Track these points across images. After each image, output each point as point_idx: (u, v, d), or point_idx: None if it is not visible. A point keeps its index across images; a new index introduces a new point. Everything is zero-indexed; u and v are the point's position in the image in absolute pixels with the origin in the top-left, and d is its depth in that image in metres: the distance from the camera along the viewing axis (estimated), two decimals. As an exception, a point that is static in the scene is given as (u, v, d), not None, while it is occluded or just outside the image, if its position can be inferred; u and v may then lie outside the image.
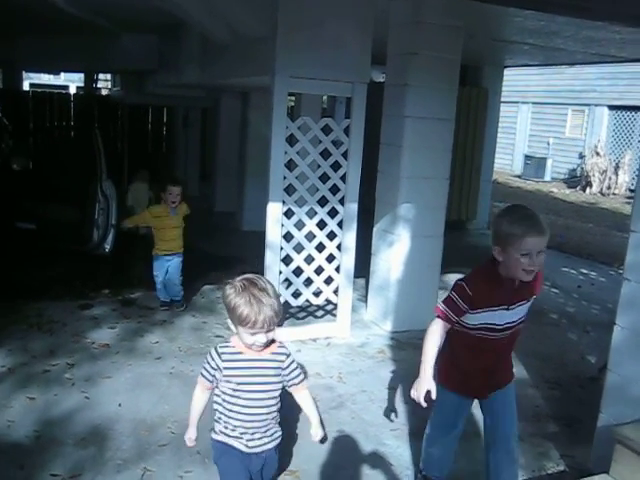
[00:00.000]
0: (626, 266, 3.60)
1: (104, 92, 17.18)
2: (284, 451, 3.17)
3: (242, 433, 2.59)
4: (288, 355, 2.62)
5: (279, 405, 2.65)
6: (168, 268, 5.80)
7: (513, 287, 2.80)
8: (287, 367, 2.61)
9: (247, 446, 2.60)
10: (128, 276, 6.77)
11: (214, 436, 2.66)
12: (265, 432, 2.62)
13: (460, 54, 5.53)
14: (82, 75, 17.14)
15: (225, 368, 2.52)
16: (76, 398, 4.13)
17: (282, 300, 5.22)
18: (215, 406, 2.61)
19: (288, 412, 2.98)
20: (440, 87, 5.44)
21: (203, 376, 2.59)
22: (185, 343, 5.15)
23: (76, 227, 7.27)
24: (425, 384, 2.71)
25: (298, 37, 4.83)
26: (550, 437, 4.10)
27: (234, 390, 2.52)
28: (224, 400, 2.57)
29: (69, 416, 3.91)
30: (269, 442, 2.65)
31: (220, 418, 2.62)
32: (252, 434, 2.59)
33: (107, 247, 6.91)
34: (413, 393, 2.75)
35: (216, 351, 2.56)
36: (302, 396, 2.73)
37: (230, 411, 2.56)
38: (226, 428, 2.60)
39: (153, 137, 14.29)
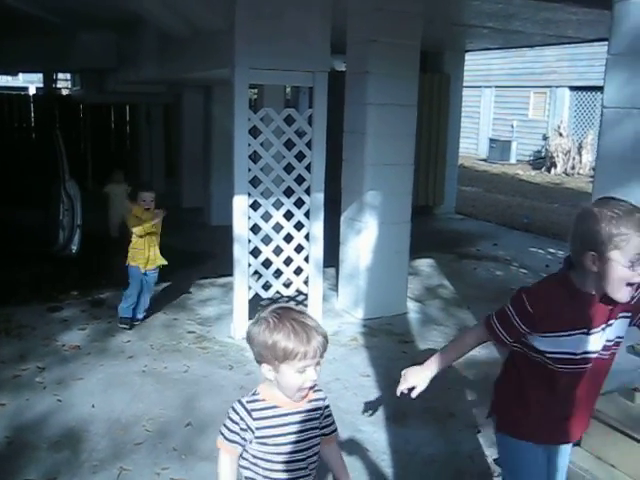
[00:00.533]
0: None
1: (64, 92, 16.89)
2: None
3: None
4: (325, 399, 2.14)
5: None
6: (145, 282, 5.43)
7: (594, 303, 2.08)
8: (325, 414, 2.14)
9: None
10: (96, 276, 6.69)
11: None
12: None
13: (420, 40, 5.56)
14: (41, 75, 16.85)
15: (258, 428, 1.95)
16: (48, 401, 4.09)
17: (252, 293, 5.23)
18: (244, 472, 2.04)
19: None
20: (401, 74, 5.46)
21: (229, 440, 1.98)
22: (157, 341, 5.13)
23: (41, 229, 7.18)
24: (415, 379, 2.30)
25: (257, 28, 4.81)
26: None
27: (271, 453, 1.98)
28: (257, 465, 2.00)
29: (42, 420, 3.87)
30: None
31: None
32: None
33: (74, 248, 6.83)
34: (401, 386, 2.33)
35: (243, 407, 1.98)
36: (331, 448, 2.22)
37: (266, 478, 2.01)
38: None
39: (116, 135, 14.14)
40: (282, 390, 1.97)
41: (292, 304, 2.15)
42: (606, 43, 3.43)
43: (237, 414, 1.97)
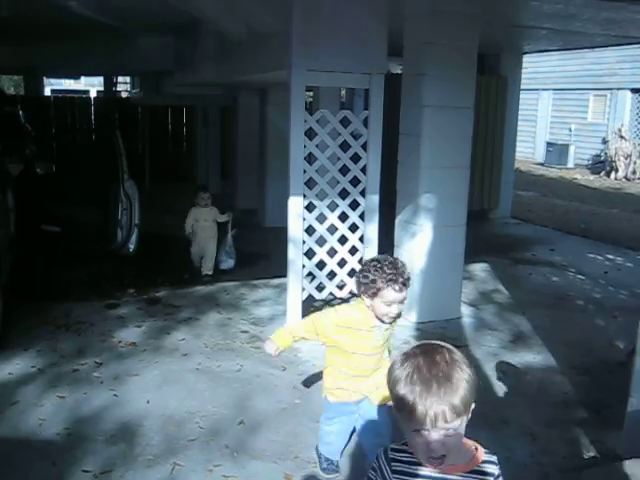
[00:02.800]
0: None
1: (124, 94, 17.30)
2: None
3: None
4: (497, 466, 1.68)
5: None
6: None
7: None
8: None
9: None
10: (152, 275, 6.83)
11: None
12: None
13: (477, 42, 5.49)
14: (102, 79, 17.32)
15: None
16: (105, 396, 4.18)
17: (305, 294, 5.24)
18: None
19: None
20: (458, 76, 5.39)
21: None
22: (211, 339, 5.18)
23: (100, 228, 7.35)
24: None
25: (313, 29, 4.83)
26: (580, 423, 4.06)
27: None
28: None
29: (99, 414, 3.95)
30: None
31: None
32: None
33: (131, 247, 6.96)
34: None
35: (385, 455, 1.69)
36: None
37: None
38: None
39: (173, 137, 14.39)
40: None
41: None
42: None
43: (377, 461, 1.70)
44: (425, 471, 1.61)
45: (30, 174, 7.33)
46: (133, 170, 7.35)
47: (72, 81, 27.47)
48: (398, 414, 1.59)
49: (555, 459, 3.65)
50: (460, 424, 1.55)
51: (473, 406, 1.61)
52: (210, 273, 7.01)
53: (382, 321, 2.90)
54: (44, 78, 16.47)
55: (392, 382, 1.59)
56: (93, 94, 21.52)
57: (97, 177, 8.15)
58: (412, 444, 1.58)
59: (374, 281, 2.77)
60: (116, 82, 15.97)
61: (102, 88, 18.58)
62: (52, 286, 6.43)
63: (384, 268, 2.76)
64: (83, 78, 26.59)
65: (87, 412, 3.97)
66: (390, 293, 2.77)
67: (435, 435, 1.51)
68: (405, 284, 2.78)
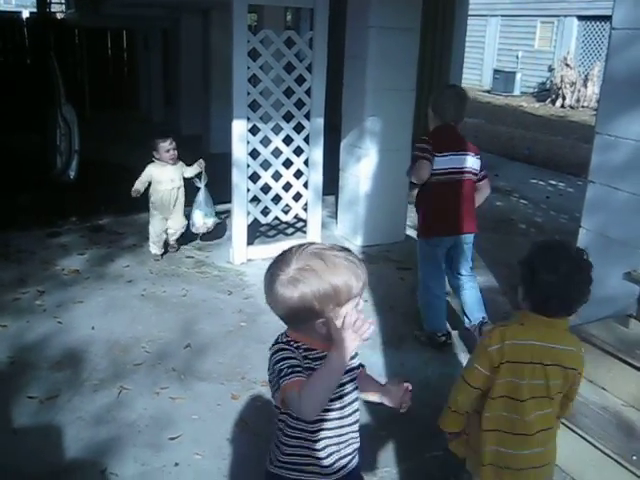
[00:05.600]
0: (591, 169, 3.64)
1: (59, 16, 16.44)
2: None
3: None
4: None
5: None
6: None
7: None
8: None
9: None
10: (95, 203, 6.63)
11: None
12: None
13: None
14: (34, 0, 16.38)
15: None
16: (49, 324, 4.13)
17: (251, 218, 5.21)
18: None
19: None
20: (405, -5, 5.29)
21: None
22: (156, 266, 5.14)
23: (38, 154, 7.11)
24: None
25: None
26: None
27: None
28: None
29: (43, 341, 3.91)
30: None
31: None
32: None
33: (72, 174, 6.77)
34: None
35: (289, 346, 1.75)
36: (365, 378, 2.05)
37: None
38: None
39: (113, 62, 13.83)
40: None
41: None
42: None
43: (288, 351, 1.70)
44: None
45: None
46: (71, 95, 7.08)
47: (1, 1, 25.98)
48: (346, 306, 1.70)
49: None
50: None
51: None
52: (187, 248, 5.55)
53: None
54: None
55: (333, 285, 1.67)
56: (26, 15, 20.42)
57: (33, 101, 7.82)
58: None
59: None
60: (50, 1, 15.12)
61: (35, 10, 17.61)
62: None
63: None
64: (15, -1, 25.21)
65: (31, 340, 3.92)
66: None
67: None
68: None
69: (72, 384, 3.48)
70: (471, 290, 4.06)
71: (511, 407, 2.08)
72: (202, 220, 5.15)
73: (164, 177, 5.12)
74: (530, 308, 2.15)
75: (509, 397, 2.08)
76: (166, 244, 5.39)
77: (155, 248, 5.27)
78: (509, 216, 6.98)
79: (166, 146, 5.08)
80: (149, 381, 3.53)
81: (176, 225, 5.28)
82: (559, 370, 2.08)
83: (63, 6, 16.02)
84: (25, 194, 6.81)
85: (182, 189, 5.23)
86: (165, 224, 5.25)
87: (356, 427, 1.84)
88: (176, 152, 5.15)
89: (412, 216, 6.36)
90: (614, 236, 3.50)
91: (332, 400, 1.73)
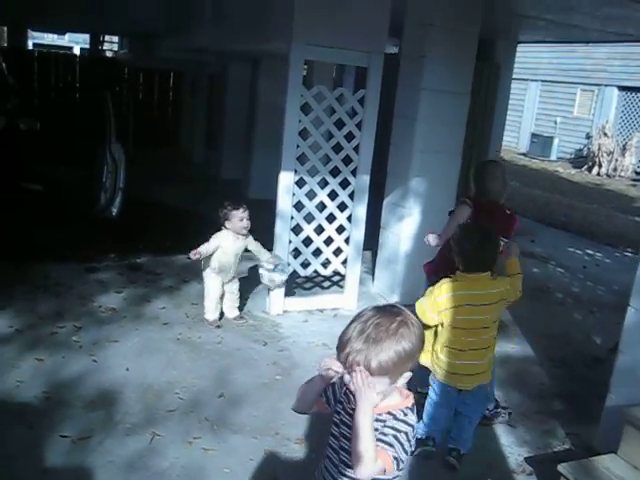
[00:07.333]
0: (643, 248, 3.60)
1: (109, 54, 16.94)
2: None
3: None
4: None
5: None
6: None
7: None
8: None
9: None
10: (135, 241, 6.68)
11: None
12: None
13: (479, 27, 5.46)
14: (87, 36, 16.91)
15: None
16: (84, 361, 4.13)
17: (290, 270, 5.21)
18: None
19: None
20: (457, 61, 5.36)
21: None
22: (192, 310, 5.14)
23: (83, 189, 7.23)
24: None
25: (316, 3, 4.74)
26: (555, 415, 4.12)
27: None
28: None
29: (77, 379, 3.91)
30: None
31: None
32: None
33: (114, 210, 6.86)
34: None
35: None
36: None
37: None
38: None
39: (159, 102, 14.14)
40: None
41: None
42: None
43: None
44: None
45: (12, 129, 7.17)
46: (121, 134, 7.22)
47: (55, 36, 26.77)
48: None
49: (530, 450, 3.70)
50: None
51: (407, 375, 1.79)
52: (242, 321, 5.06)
53: None
54: (29, 31, 16.03)
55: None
56: (76, 51, 21.08)
57: (82, 137, 7.99)
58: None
59: None
60: (103, 40, 15.61)
61: (86, 46, 18.17)
62: (31, 246, 6.25)
63: None
64: (67, 34, 25.96)
65: (66, 376, 3.92)
66: None
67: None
68: None
69: (105, 426, 3.45)
70: None
71: (454, 334, 3.25)
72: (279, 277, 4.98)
73: (232, 249, 4.78)
74: (462, 269, 3.23)
75: (454, 327, 3.23)
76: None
77: (210, 314, 4.92)
78: (546, 284, 6.91)
79: (239, 214, 4.68)
80: (182, 429, 3.50)
81: (233, 295, 5.03)
82: (486, 307, 3.25)
83: (116, 45, 16.48)
84: (67, 227, 6.89)
85: (240, 261, 4.96)
86: (222, 289, 4.93)
87: None
88: (249, 222, 4.74)
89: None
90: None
91: None
